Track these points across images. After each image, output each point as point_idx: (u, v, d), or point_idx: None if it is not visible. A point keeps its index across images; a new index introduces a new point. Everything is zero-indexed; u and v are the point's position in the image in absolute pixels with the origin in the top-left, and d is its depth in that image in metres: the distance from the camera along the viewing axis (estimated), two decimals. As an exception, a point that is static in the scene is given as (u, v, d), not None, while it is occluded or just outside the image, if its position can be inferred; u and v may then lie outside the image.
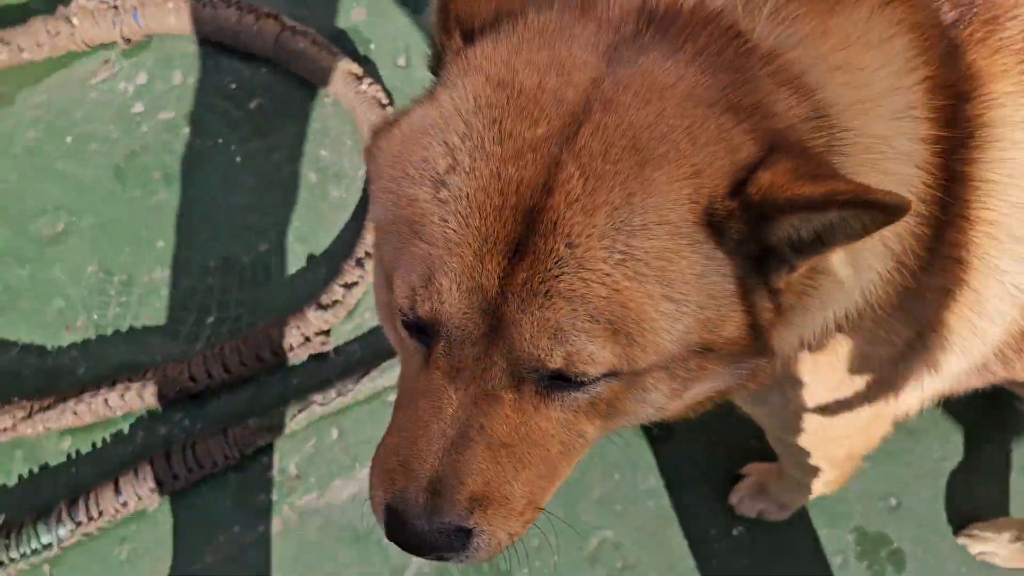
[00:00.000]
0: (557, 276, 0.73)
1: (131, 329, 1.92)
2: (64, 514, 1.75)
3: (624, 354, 0.77)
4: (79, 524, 1.75)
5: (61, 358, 1.91)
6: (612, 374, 0.79)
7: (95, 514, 1.75)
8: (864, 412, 1.12)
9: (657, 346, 0.78)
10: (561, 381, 0.79)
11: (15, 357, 1.91)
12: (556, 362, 0.76)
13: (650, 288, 0.75)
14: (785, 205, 0.73)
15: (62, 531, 1.75)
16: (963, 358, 1.02)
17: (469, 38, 0.83)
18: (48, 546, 1.74)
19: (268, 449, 1.81)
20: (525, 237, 0.74)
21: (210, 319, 1.92)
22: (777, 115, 0.79)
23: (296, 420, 1.81)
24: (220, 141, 2.08)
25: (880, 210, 0.70)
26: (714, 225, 0.76)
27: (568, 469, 0.90)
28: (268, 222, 2.01)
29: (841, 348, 1.00)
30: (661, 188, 0.74)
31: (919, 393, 1.10)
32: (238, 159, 2.07)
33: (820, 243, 0.77)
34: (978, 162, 0.89)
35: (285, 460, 1.82)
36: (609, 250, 0.73)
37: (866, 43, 0.85)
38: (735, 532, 1.74)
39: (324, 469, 1.81)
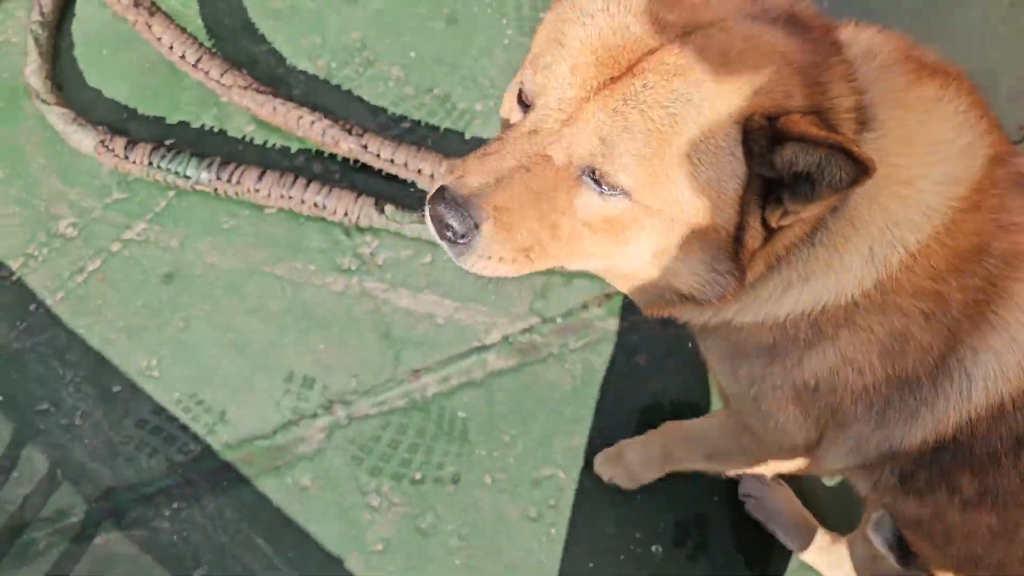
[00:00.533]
0: (626, 102, 0.98)
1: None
2: (214, 166, 2.07)
3: (643, 181, 1.00)
4: (218, 180, 2.06)
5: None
6: (626, 193, 1.02)
7: (232, 181, 2.06)
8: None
9: (667, 193, 1.01)
10: (591, 180, 1.03)
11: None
12: (597, 159, 1.00)
13: (683, 145, 0.98)
14: (792, 134, 0.94)
15: (203, 176, 2.06)
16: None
17: None
18: (187, 178, 2.06)
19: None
20: (621, 73, 0.99)
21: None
22: (833, 103, 1.02)
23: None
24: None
25: (851, 161, 0.90)
26: (747, 132, 0.98)
27: (553, 259, 1.12)
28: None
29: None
30: (727, 89, 0.98)
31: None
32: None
33: (810, 188, 0.97)
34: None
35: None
36: (667, 107, 0.98)
37: (942, 116, 1.09)
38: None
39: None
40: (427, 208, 1.06)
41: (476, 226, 1.03)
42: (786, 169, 0.97)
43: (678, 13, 1.01)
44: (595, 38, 1.00)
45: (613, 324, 2.03)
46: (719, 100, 0.98)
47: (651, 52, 0.99)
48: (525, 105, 1.07)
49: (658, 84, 0.98)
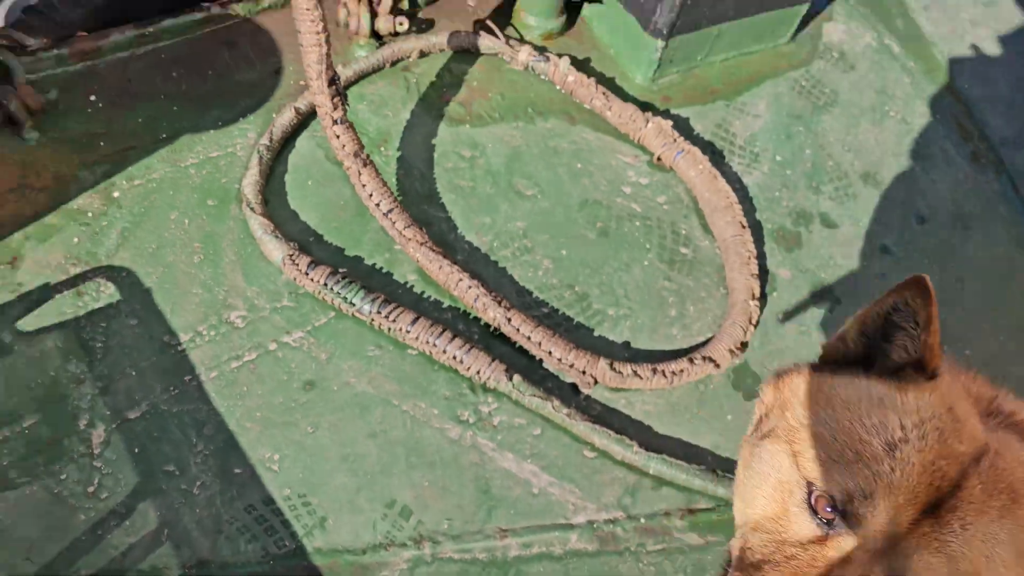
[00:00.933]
0: (949, 541, 1.03)
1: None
2: (378, 301, 2.35)
3: None
4: (377, 313, 2.34)
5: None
6: None
7: (389, 318, 2.33)
8: None
9: None
10: None
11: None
12: None
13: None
14: None
15: (366, 307, 2.35)
16: None
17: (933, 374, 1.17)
18: (352, 304, 2.35)
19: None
20: (933, 507, 1.05)
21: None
22: None
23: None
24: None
25: None
26: None
27: None
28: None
29: None
30: (1012, 524, 1.06)
31: None
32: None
33: None
34: None
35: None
36: (984, 543, 1.03)
37: None
38: None
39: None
40: None
41: None
42: None
43: (968, 442, 1.09)
44: (906, 469, 1.05)
45: (692, 538, 2.17)
46: (1019, 537, 1.05)
47: (956, 487, 1.06)
48: (815, 512, 1.11)
49: (973, 520, 1.04)
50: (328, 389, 2.28)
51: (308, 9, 2.16)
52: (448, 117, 2.85)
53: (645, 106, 3.04)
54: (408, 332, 2.32)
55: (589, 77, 2.97)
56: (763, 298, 2.68)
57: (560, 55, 3.00)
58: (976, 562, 1.02)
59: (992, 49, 3.68)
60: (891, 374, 1.16)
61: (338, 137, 2.46)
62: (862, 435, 1.08)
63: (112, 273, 2.34)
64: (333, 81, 2.36)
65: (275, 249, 2.42)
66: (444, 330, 2.33)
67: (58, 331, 2.22)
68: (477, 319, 2.44)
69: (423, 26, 3.05)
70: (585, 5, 3.25)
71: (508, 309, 2.38)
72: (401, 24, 2.90)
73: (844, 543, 1.07)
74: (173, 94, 2.72)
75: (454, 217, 2.64)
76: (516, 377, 2.29)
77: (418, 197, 2.66)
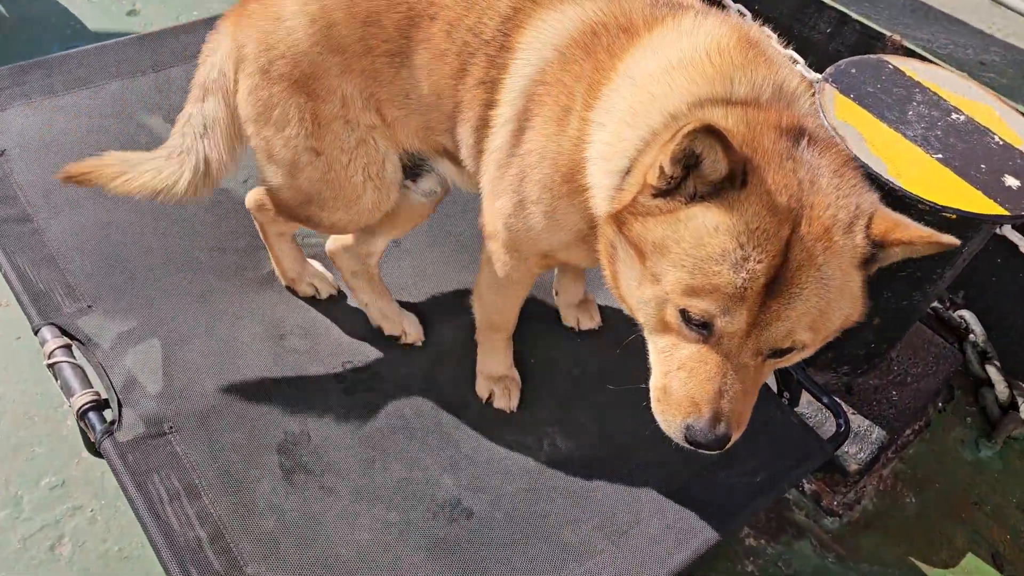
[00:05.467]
0: (794, 307, 1.29)
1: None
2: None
3: (812, 339, 1.35)
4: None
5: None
6: (799, 349, 1.37)
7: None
8: None
9: (826, 333, 1.37)
10: (773, 354, 1.36)
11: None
12: (787, 344, 1.33)
13: (838, 302, 1.33)
14: (896, 242, 1.32)
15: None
16: None
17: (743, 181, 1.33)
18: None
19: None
20: (774, 283, 1.28)
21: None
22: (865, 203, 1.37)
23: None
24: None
25: (948, 246, 1.33)
26: (861, 260, 1.35)
27: None
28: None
29: None
30: (843, 255, 1.31)
31: None
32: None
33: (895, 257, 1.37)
34: None
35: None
36: (821, 290, 1.29)
37: None
38: None
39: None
40: (684, 441, 1.41)
41: (729, 438, 1.39)
42: (881, 260, 1.37)
43: (787, 224, 1.29)
44: (752, 280, 1.27)
45: None
46: (845, 259, 1.32)
47: (784, 257, 1.28)
48: (694, 324, 1.34)
49: (807, 275, 1.28)
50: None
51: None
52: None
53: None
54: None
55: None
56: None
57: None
58: (819, 303, 1.29)
59: None
60: (714, 194, 1.31)
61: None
62: (714, 267, 1.28)
63: None
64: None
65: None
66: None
67: None
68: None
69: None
70: None
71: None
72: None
73: (722, 343, 1.34)
74: None
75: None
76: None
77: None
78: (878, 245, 1.33)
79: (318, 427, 1.99)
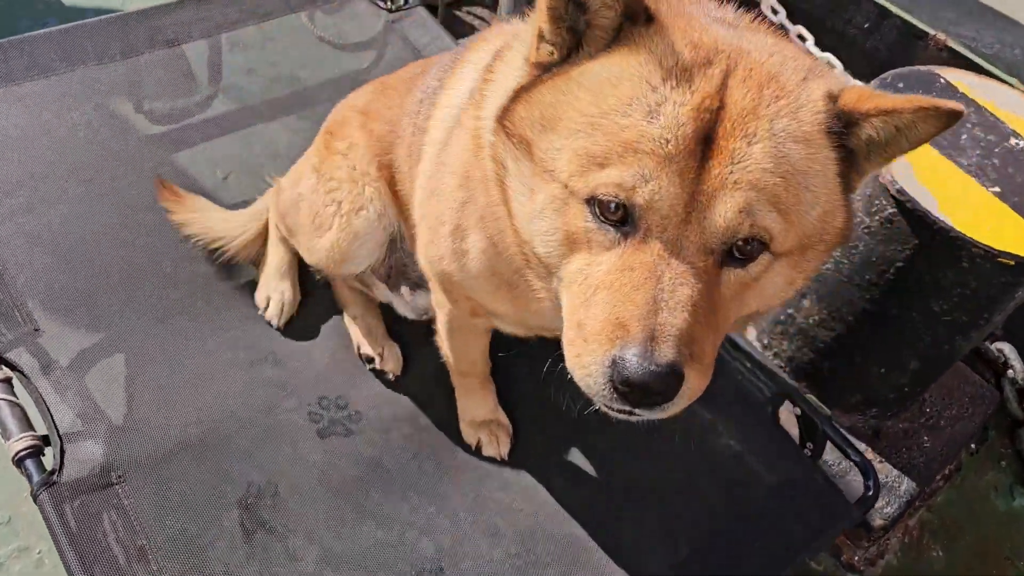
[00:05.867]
0: (744, 167, 0.97)
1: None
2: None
3: (782, 230, 1.00)
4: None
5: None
6: (765, 250, 1.02)
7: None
8: None
9: (800, 228, 1.02)
10: (731, 259, 1.02)
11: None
12: (745, 230, 0.98)
13: (800, 179, 1.00)
14: (872, 111, 1.01)
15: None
16: None
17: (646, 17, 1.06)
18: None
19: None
20: (711, 144, 0.97)
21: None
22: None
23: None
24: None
25: (949, 116, 0.99)
26: (827, 133, 1.02)
27: (723, 336, 1.12)
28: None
29: None
30: (799, 107, 1.01)
31: None
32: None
33: (886, 151, 1.05)
34: None
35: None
36: (775, 148, 0.98)
37: None
38: None
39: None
40: (622, 391, 0.99)
41: (678, 376, 0.98)
42: (865, 141, 1.05)
43: (717, 62, 1.01)
44: (676, 132, 0.97)
45: None
46: (802, 119, 1.01)
47: (722, 109, 0.98)
48: (610, 220, 1.02)
49: (754, 132, 0.98)
50: None
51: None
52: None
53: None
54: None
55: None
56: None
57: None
58: (778, 166, 0.98)
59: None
60: (613, 42, 1.06)
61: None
62: (620, 121, 0.99)
63: None
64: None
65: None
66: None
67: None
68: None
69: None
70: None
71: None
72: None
73: (650, 242, 1.00)
74: None
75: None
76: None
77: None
78: (850, 119, 1.03)
79: (285, 477, 1.77)
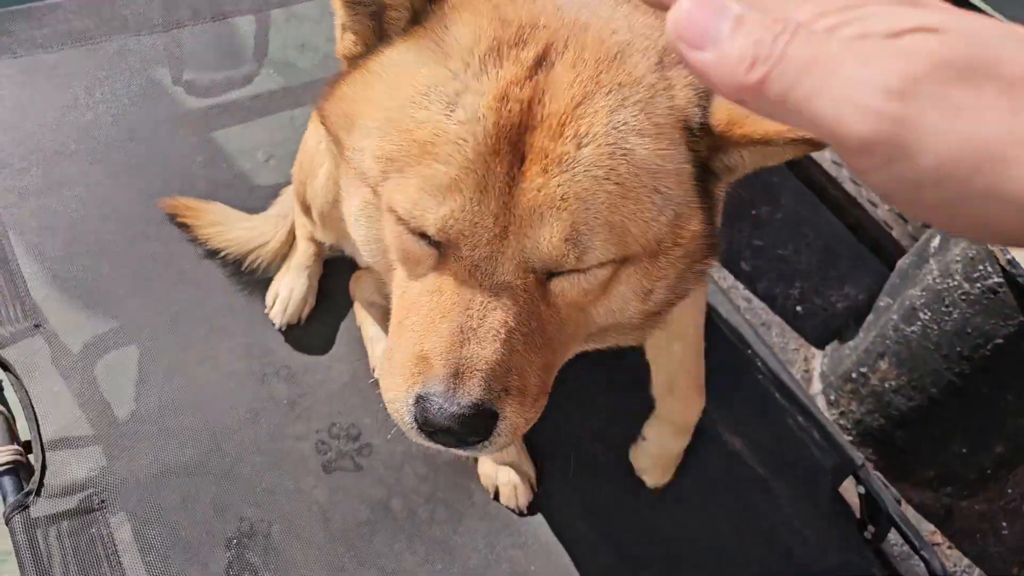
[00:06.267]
0: (572, 177, 0.81)
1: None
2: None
3: (619, 243, 0.86)
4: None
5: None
6: (603, 264, 0.88)
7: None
8: None
9: (645, 235, 0.88)
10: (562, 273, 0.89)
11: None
12: (572, 262, 0.85)
13: (646, 180, 0.85)
14: (744, 140, 0.87)
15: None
16: None
17: None
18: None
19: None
20: (529, 146, 0.81)
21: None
22: None
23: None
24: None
25: (813, 145, 0.85)
26: (684, 129, 0.88)
27: (564, 356, 1.00)
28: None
29: None
30: (651, 97, 0.85)
31: None
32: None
33: (746, 169, 0.93)
34: None
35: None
36: (613, 147, 0.82)
37: None
38: None
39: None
40: (424, 428, 0.90)
41: (491, 415, 0.88)
42: (727, 162, 0.92)
43: (534, 42, 0.84)
44: (480, 130, 0.82)
45: None
46: (652, 110, 0.86)
47: (547, 102, 0.82)
48: (427, 237, 0.89)
49: (587, 130, 0.82)
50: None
51: None
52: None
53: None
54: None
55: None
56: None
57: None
58: (613, 167, 0.83)
59: None
60: (412, 23, 0.92)
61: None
62: (415, 115, 0.85)
63: None
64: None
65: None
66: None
67: None
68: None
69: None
70: None
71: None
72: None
73: (459, 263, 0.88)
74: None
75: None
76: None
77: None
78: (716, 144, 0.90)
79: (282, 516, 1.62)
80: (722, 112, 0.88)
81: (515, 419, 0.90)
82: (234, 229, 1.90)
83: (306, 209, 1.74)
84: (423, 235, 0.89)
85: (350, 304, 1.96)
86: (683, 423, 1.74)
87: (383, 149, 0.88)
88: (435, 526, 1.68)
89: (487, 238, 0.85)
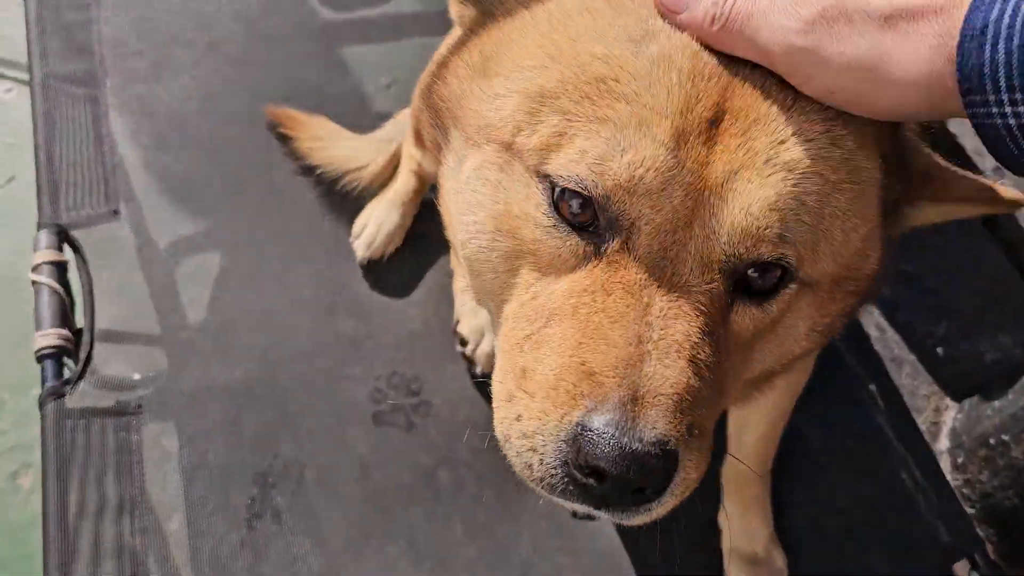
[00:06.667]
0: (778, 141, 0.67)
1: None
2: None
3: (811, 254, 0.71)
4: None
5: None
6: (791, 278, 0.73)
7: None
8: None
9: (839, 252, 0.74)
10: (744, 290, 0.73)
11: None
12: (773, 237, 0.67)
13: (854, 180, 0.71)
14: (944, 196, 0.80)
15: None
16: None
17: None
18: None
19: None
20: (728, 103, 0.68)
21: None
22: None
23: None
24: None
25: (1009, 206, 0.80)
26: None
27: (722, 406, 0.81)
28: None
29: None
30: None
31: None
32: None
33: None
34: None
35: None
36: (829, 124, 0.69)
37: None
38: None
39: None
40: (569, 480, 0.68)
41: (675, 461, 0.67)
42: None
43: None
44: (674, 73, 0.68)
45: None
46: (861, 122, 0.72)
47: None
48: (571, 223, 0.71)
49: (795, 101, 0.69)
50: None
51: None
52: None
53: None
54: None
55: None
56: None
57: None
58: (825, 150, 0.68)
59: None
60: None
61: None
62: (591, 48, 0.69)
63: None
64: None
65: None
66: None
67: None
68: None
69: None
70: None
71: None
72: None
73: (632, 257, 0.69)
74: None
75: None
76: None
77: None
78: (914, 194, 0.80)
79: (319, 460, 1.49)
80: (922, 159, 0.81)
81: (692, 472, 0.69)
82: (334, 147, 1.77)
83: (419, 135, 1.59)
84: (581, 204, 0.70)
85: (441, 250, 1.80)
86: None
87: (540, 87, 0.71)
88: (480, 508, 1.52)
89: (670, 217, 0.68)
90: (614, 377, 0.65)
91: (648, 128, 0.66)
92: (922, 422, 1.95)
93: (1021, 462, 1.69)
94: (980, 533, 1.66)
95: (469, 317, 1.65)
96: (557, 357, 0.69)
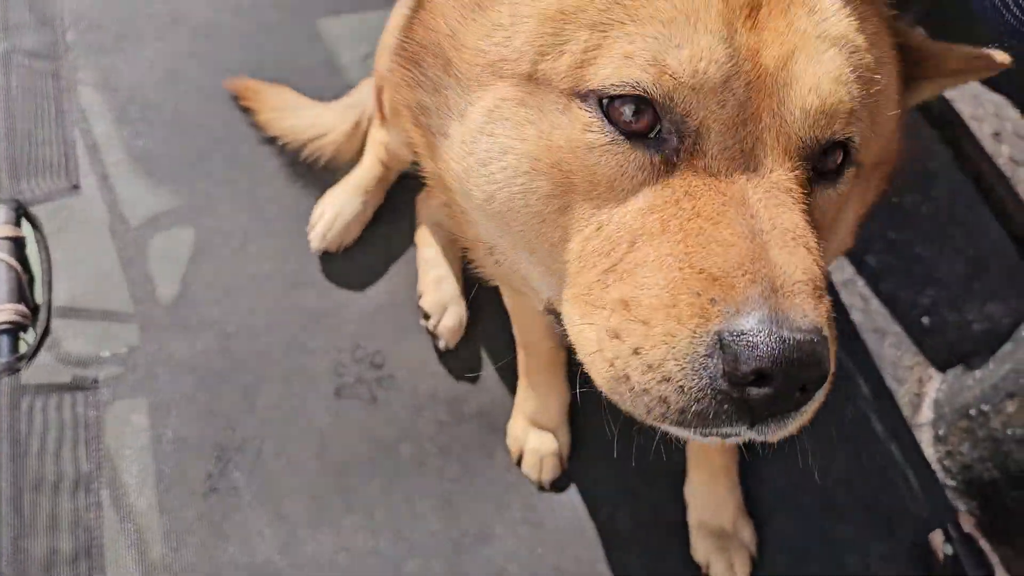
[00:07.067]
0: (824, 18, 0.67)
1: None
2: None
3: (869, 133, 0.73)
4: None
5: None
6: (850, 162, 0.74)
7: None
8: None
9: (879, 136, 0.75)
10: (819, 174, 0.72)
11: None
12: (845, 110, 0.67)
13: (886, 64, 0.73)
14: (939, 70, 0.82)
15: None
16: None
17: None
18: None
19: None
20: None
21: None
22: None
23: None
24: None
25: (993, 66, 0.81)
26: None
27: None
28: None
29: None
30: None
31: None
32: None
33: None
34: None
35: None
36: (854, 4, 0.70)
37: None
38: None
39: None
40: (719, 399, 0.62)
41: (827, 347, 0.63)
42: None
43: None
44: None
45: None
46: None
47: None
48: (629, 131, 0.67)
49: None
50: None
51: None
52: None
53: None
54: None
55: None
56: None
57: None
58: (863, 26, 0.70)
59: None
60: None
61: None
62: None
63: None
64: None
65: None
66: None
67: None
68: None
69: None
70: None
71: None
72: None
73: (698, 147, 0.67)
74: None
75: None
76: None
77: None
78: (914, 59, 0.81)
79: (277, 435, 1.48)
80: (917, 37, 0.82)
81: (832, 365, 0.64)
82: (295, 116, 1.72)
83: (382, 109, 1.55)
84: (635, 112, 0.66)
85: (407, 222, 1.77)
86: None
87: (555, 3, 0.68)
88: (443, 482, 1.50)
89: (740, 105, 0.65)
90: (745, 275, 0.61)
91: (698, 20, 0.64)
92: (904, 393, 1.91)
93: (1000, 433, 1.65)
94: (960, 506, 1.62)
95: (432, 291, 1.63)
96: (664, 274, 0.64)
